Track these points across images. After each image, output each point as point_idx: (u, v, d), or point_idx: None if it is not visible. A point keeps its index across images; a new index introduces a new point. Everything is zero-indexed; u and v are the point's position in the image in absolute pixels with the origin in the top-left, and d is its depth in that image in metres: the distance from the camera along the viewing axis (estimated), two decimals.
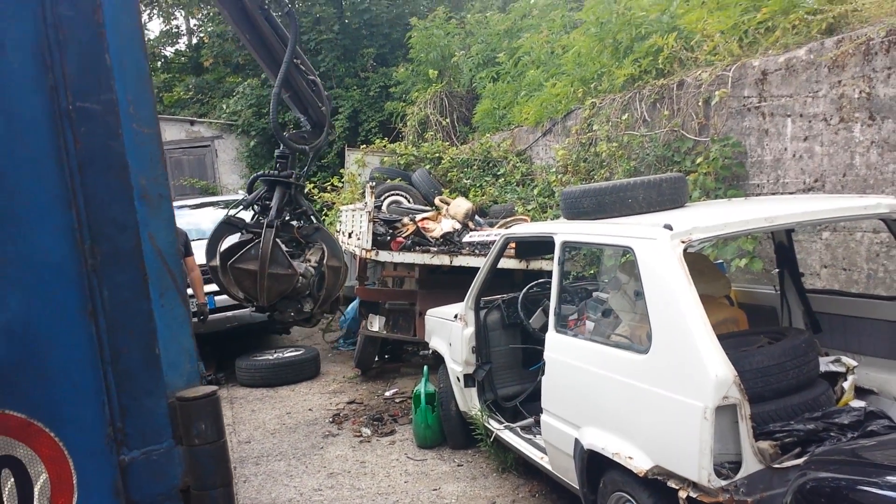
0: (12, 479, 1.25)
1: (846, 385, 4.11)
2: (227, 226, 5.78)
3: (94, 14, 1.22)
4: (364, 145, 12.67)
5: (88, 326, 1.28)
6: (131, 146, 1.27)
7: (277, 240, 5.57)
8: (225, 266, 5.53)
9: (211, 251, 5.68)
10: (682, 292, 3.51)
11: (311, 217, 6.09)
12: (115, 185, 1.25)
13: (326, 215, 12.66)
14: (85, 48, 1.22)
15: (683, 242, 3.65)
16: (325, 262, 5.77)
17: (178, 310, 1.34)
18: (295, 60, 5.59)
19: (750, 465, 3.27)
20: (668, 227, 3.69)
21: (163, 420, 1.31)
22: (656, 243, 3.69)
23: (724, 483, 3.23)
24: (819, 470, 2.75)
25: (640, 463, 3.58)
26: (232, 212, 6.00)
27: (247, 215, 6.03)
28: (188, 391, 1.33)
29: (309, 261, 5.79)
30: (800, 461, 3.16)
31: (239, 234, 5.74)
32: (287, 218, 5.85)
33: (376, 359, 8.97)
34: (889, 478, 2.53)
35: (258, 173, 6.23)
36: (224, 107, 17.82)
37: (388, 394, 7.91)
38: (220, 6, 5.26)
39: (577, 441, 4.12)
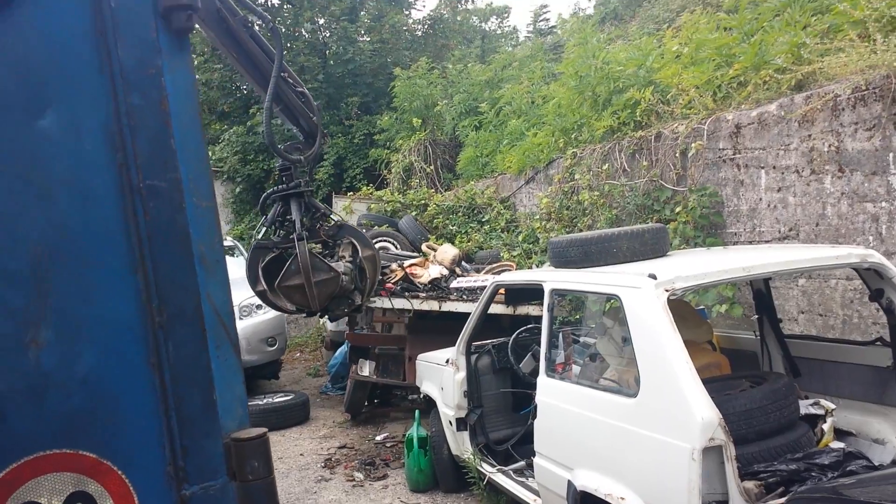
0: None
1: (825, 427, 4.29)
2: (259, 250, 6.00)
3: (161, 104, 1.40)
4: (350, 192, 12.87)
5: (153, 377, 1.43)
6: (192, 218, 1.45)
7: (310, 249, 5.77)
8: (273, 288, 5.72)
9: (252, 277, 5.90)
10: (668, 338, 3.70)
11: (331, 216, 6.31)
12: (179, 252, 1.43)
13: None
14: (153, 133, 1.40)
15: (667, 291, 3.85)
16: (359, 255, 5.99)
17: (231, 360, 1.51)
18: (283, 74, 5.79)
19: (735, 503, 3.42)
20: (653, 277, 3.89)
21: (219, 459, 1.46)
22: (642, 292, 3.88)
23: None
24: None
25: (631, 503, 3.72)
26: (258, 236, 6.22)
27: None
28: (241, 433, 1.49)
29: (343, 257, 5.99)
30: (783, 500, 3.31)
31: (272, 254, 5.94)
32: (308, 224, 6.05)
33: (366, 403, 9.05)
34: None
35: (269, 191, 6.42)
36: (209, 153, 18.03)
37: (378, 438, 7.98)
38: (205, 29, 5.39)
39: (569, 483, 4.25)
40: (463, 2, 21.82)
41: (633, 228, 4.82)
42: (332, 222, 6.27)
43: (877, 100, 5.35)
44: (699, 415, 3.41)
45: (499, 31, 27.18)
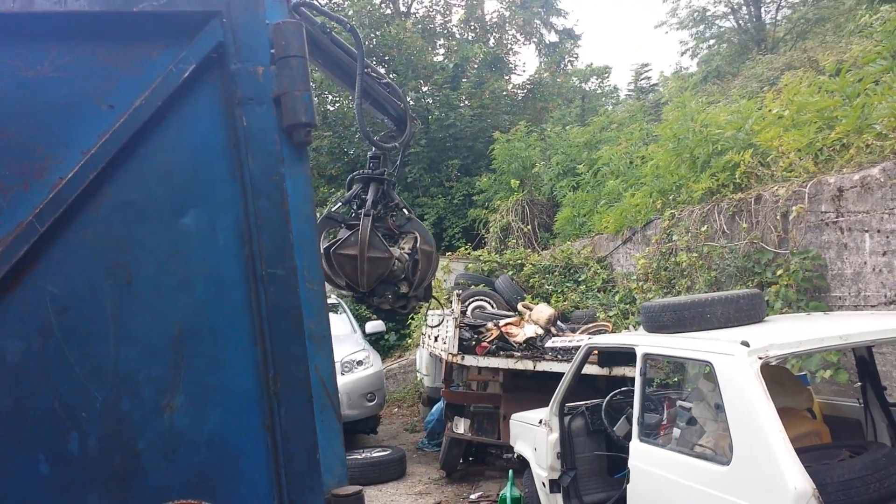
0: None
1: None
2: (328, 220, 6.24)
3: (283, 205, 1.66)
4: (448, 252, 13.19)
5: (267, 438, 1.66)
6: (305, 300, 1.68)
7: (374, 227, 5.98)
8: (328, 254, 5.93)
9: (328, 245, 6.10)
10: (761, 406, 3.70)
11: (404, 209, 6.56)
12: (293, 329, 1.66)
13: (413, 318, 13.14)
14: (276, 229, 1.66)
15: (761, 359, 3.86)
16: (418, 246, 6.17)
17: (333, 424, 1.72)
18: (366, 70, 6.10)
19: None
20: (746, 344, 3.91)
21: None
22: (734, 359, 3.90)
23: None
24: None
25: None
26: (332, 209, 6.49)
27: None
28: (340, 489, 1.69)
29: (403, 248, 6.18)
30: None
31: (338, 227, 6.19)
32: (381, 212, 6.28)
33: (461, 461, 9.14)
34: None
35: (354, 173, 6.68)
36: (317, 214, 18.87)
37: (473, 497, 8.04)
38: None
39: None
40: (563, 65, 22.21)
41: (727, 294, 4.83)
42: (405, 215, 6.50)
43: None
44: (792, 484, 3.39)
45: (599, 91, 27.36)
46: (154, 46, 1.64)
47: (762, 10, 27.99)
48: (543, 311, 9.15)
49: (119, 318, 1.60)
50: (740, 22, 27.97)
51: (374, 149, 6.33)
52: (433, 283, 6.82)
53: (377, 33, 18.75)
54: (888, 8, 9.28)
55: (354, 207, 6.26)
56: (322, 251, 5.93)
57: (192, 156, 1.66)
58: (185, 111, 1.64)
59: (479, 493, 8.17)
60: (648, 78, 24.53)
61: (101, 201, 1.60)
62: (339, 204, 6.50)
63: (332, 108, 19.14)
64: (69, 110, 1.61)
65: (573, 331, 8.92)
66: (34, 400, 1.56)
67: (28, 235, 1.54)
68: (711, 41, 29.11)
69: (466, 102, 18.19)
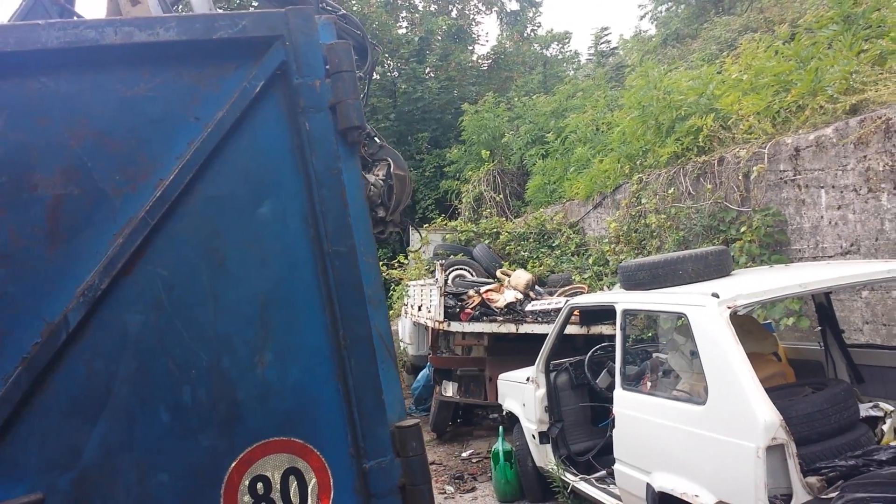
0: (296, 483, 2.00)
1: (885, 427, 4.64)
2: None
3: (342, 195, 2.01)
4: (424, 224, 13.55)
5: (339, 385, 2.03)
6: (363, 271, 2.04)
7: None
8: None
9: None
10: (732, 351, 4.14)
11: (375, 138, 6.81)
12: (356, 296, 2.02)
13: (393, 290, 13.50)
14: (336, 214, 2.01)
15: (730, 308, 4.30)
16: (392, 171, 6.45)
17: (392, 371, 2.09)
18: (321, 5, 6.32)
19: (800, 497, 3.82)
20: (716, 295, 4.34)
21: (387, 441, 2.04)
22: (706, 310, 4.34)
23: None
24: (856, 491, 3.34)
25: (705, 499, 4.15)
26: None
27: None
28: (402, 422, 2.07)
29: (378, 175, 6.45)
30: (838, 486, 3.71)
31: None
32: None
33: (450, 422, 9.59)
34: None
35: None
36: None
37: (465, 454, 8.51)
38: None
39: (648, 485, 4.70)
40: (524, 33, 22.46)
41: (697, 251, 5.27)
42: (375, 143, 6.72)
43: None
44: (762, 417, 3.84)
45: (560, 57, 27.60)
46: (230, 66, 1.96)
47: None
48: (521, 276, 9.56)
49: (215, 292, 1.95)
50: None
51: None
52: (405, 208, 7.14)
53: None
54: None
55: None
56: None
57: (265, 156, 2.00)
58: (258, 120, 1.97)
59: (471, 451, 8.63)
60: (608, 42, 24.88)
61: (195, 197, 1.94)
62: None
63: None
64: (163, 123, 1.93)
65: (551, 294, 9.35)
66: (152, 362, 1.90)
67: (140, 228, 1.87)
68: (669, 3, 29.48)
69: (433, 75, 18.42)
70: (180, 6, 3.46)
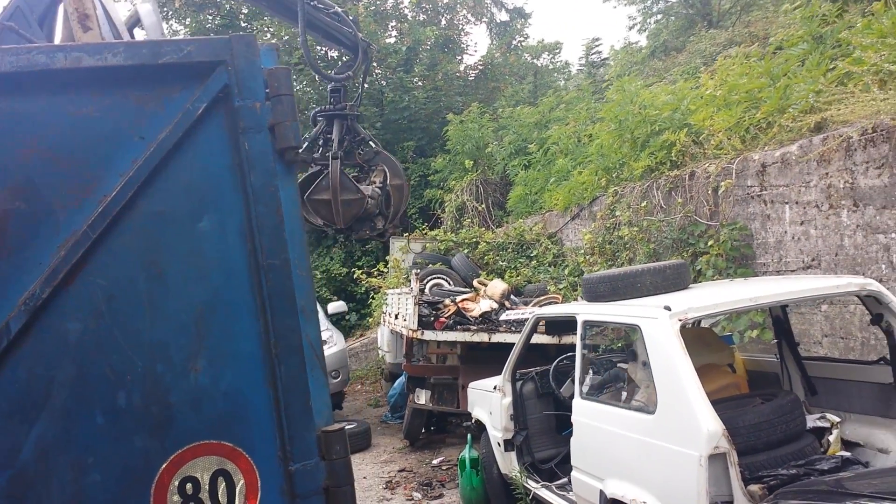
0: (224, 484, 2.12)
1: (832, 438, 4.79)
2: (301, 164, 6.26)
3: (277, 211, 2.14)
4: (406, 233, 13.67)
5: (270, 391, 2.15)
6: (296, 283, 2.16)
7: (343, 169, 6.12)
8: (302, 199, 6.02)
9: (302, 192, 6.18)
10: (680, 362, 4.28)
11: (370, 143, 6.64)
12: (288, 306, 2.15)
13: (373, 298, 13.61)
14: (272, 230, 2.14)
15: (680, 320, 4.44)
16: (388, 182, 6.32)
17: (321, 378, 2.21)
18: (311, 2, 6.25)
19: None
20: (668, 308, 4.49)
21: (313, 445, 2.16)
22: (658, 321, 4.49)
23: None
24: (789, 498, 3.49)
25: None
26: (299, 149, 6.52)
27: None
28: (328, 427, 2.19)
29: (374, 183, 6.33)
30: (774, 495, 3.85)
31: (308, 167, 6.30)
32: (349, 147, 6.40)
33: (423, 430, 9.70)
34: (847, 502, 3.25)
35: (317, 109, 6.72)
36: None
37: (435, 462, 8.62)
38: None
39: (601, 492, 4.83)
40: (514, 44, 22.64)
41: (655, 265, 5.42)
42: (371, 148, 6.54)
43: (884, 141, 5.86)
44: (705, 427, 3.98)
45: (551, 67, 27.76)
46: (174, 89, 2.09)
47: None
48: (497, 286, 9.70)
49: (153, 302, 2.07)
50: None
51: (333, 84, 6.38)
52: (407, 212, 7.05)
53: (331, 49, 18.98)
54: None
55: (320, 144, 6.36)
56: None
57: (205, 174, 2.12)
58: (200, 139, 2.10)
59: (441, 459, 8.75)
60: (599, 52, 25.11)
61: (137, 212, 2.06)
62: (307, 144, 6.55)
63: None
64: (109, 142, 2.05)
65: (526, 304, 9.48)
66: (91, 367, 2.02)
67: (83, 241, 1.99)
68: (659, 16, 29.77)
69: (420, 84, 18.56)
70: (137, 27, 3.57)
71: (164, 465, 2.05)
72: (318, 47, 18.15)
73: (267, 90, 2.16)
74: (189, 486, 2.06)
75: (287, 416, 2.14)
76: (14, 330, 1.94)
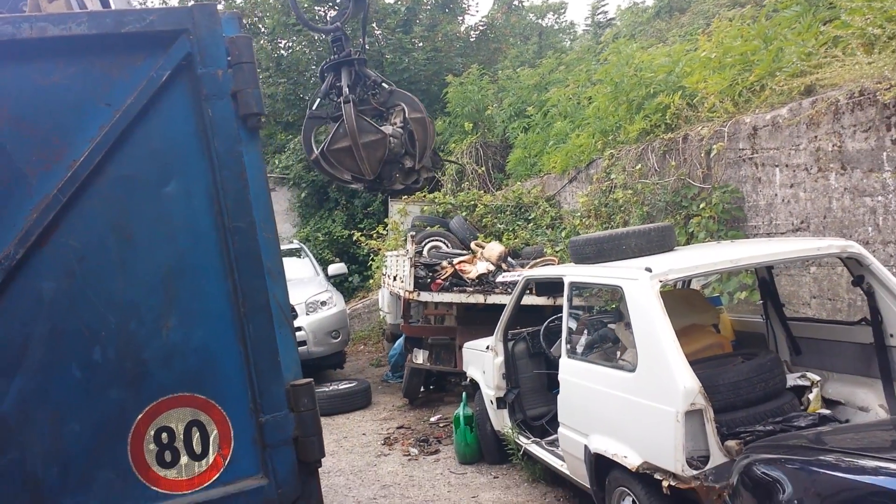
0: (198, 434, 2.23)
1: (811, 396, 4.89)
2: (313, 120, 6.12)
3: (241, 175, 2.22)
4: (405, 195, 13.72)
5: (240, 347, 2.25)
6: (262, 244, 2.25)
7: (359, 112, 5.97)
8: (324, 154, 5.91)
9: (307, 147, 6.10)
10: (659, 322, 4.37)
11: (383, 84, 6.48)
12: (255, 267, 2.24)
13: (373, 261, 13.73)
14: (237, 193, 2.22)
15: (661, 282, 4.52)
16: (407, 116, 6.12)
17: (288, 336, 2.31)
18: None
19: (716, 458, 4.08)
20: (648, 270, 4.56)
21: (282, 398, 2.28)
22: (638, 283, 4.57)
23: (695, 473, 4.05)
24: (760, 453, 3.60)
25: (632, 460, 4.41)
26: (313, 108, 6.34)
27: None
28: (296, 381, 2.30)
29: (395, 123, 6.16)
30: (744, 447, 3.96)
31: (325, 123, 6.12)
32: (362, 93, 6.26)
33: (422, 389, 9.88)
34: (820, 457, 3.34)
35: (324, 63, 6.51)
36: (276, 162, 19.21)
37: (433, 419, 8.80)
38: None
39: (586, 447, 4.97)
40: (516, 3, 22.39)
41: (640, 227, 5.49)
42: (385, 89, 6.34)
43: (871, 105, 5.87)
44: (682, 384, 4.08)
45: (556, 27, 27.48)
46: (138, 57, 2.16)
47: None
48: (494, 248, 9.77)
49: (124, 263, 2.17)
50: None
51: (333, 35, 6.22)
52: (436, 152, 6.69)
53: None
54: None
55: (334, 98, 6.22)
56: (318, 154, 5.71)
57: (171, 140, 2.20)
58: (165, 106, 2.18)
59: (439, 416, 8.92)
60: (605, 13, 24.84)
61: (105, 176, 2.15)
62: (319, 100, 6.43)
63: (285, 54, 19.30)
64: (77, 109, 2.13)
65: (522, 266, 9.56)
66: (66, 324, 2.13)
67: (54, 204, 2.08)
68: None
69: (420, 45, 18.44)
70: None
71: (139, 416, 2.16)
72: (317, 7, 18.07)
73: (229, 58, 2.23)
74: (164, 435, 2.18)
75: (257, 371, 2.25)
76: None
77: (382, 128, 6.02)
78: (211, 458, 2.22)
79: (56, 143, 2.11)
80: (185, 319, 2.22)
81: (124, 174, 2.16)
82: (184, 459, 2.19)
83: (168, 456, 2.19)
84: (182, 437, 2.20)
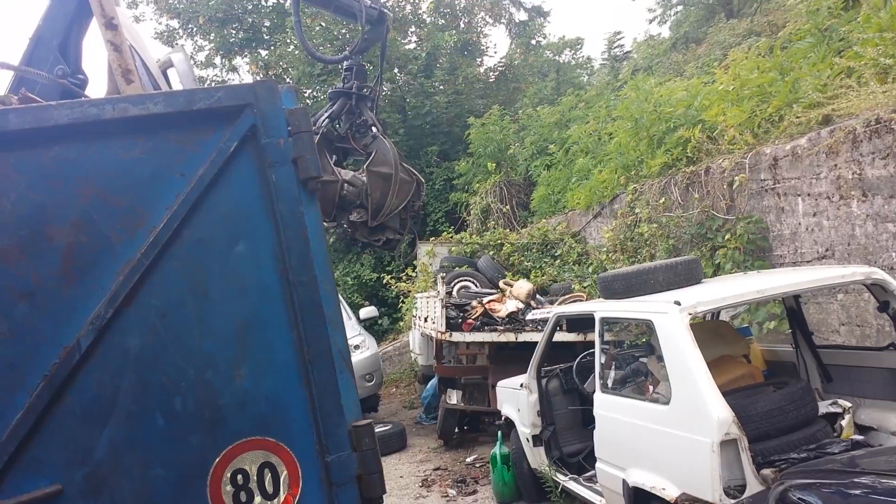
0: (270, 475, 2.42)
1: (844, 423, 4.97)
2: None
3: (303, 234, 2.44)
4: (433, 237, 13.96)
5: (305, 392, 2.45)
6: (323, 297, 2.46)
7: (323, 146, 5.55)
8: None
9: None
10: (691, 354, 4.50)
11: (372, 126, 6.00)
12: (317, 317, 2.44)
13: (403, 303, 13.92)
14: (299, 250, 2.43)
15: (690, 314, 4.66)
16: (367, 167, 5.63)
17: (349, 380, 2.50)
18: None
19: (753, 487, 4.18)
20: (678, 303, 4.71)
21: (345, 438, 2.46)
22: (668, 316, 4.71)
23: (732, 502, 4.14)
24: (796, 478, 3.70)
25: (670, 492, 4.52)
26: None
27: None
28: (357, 422, 2.48)
29: (357, 172, 5.71)
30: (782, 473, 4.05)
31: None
32: (347, 130, 5.84)
33: (456, 429, 9.98)
34: (855, 479, 3.44)
35: (329, 90, 6.31)
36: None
37: (469, 460, 8.89)
38: None
39: (623, 481, 5.07)
40: (534, 43, 22.81)
41: (667, 261, 5.64)
42: (370, 133, 6.00)
43: (888, 132, 6.02)
44: (715, 414, 4.20)
45: (573, 63, 27.83)
46: (208, 130, 2.40)
47: None
48: (523, 286, 9.94)
49: (201, 317, 2.38)
50: None
51: (347, 63, 6.09)
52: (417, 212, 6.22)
53: (349, 26, 19.35)
54: None
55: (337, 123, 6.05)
56: None
57: (239, 204, 2.43)
58: (233, 173, 2.41)
59: (475, 457, 9.01)
60: (622, 46, 25.17)
61: (182, 240, 2.37)
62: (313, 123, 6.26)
63: (310, 103, 19.78)
64: (155, 179, 2.37)
65: (551, 303, 9.70)
66: (150, 376, 2.33)
67: (138, 267, 2.30)
68: (679, 7, 29.73)
69: (441, 88, 18.85)
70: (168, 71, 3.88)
71: (217, 460, 2.35)
72: (343, 30, 18.41)
73: (289, 128, 2.46)
74: (240, 477, 2.36)
75: (321, 414, 2.43)
76: (84, 346, 2.25)
77: (343, 171, 5.77)
78: (282, 497, 2.39)
79: (138, 212, 2.34)
80: (256, 368, 2.41)
81: (199, 237, 2.38)
82: (257, 499, 2.37)
83: (243, 496, 2.36)
84: (255, 478, 2.38)
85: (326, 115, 5.83)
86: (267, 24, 20.92)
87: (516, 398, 7.13)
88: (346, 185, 5.60)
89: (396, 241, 6.34)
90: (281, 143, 2.43)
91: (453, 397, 9.36)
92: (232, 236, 2.41)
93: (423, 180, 6.43)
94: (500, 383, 7.80)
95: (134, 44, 3.15)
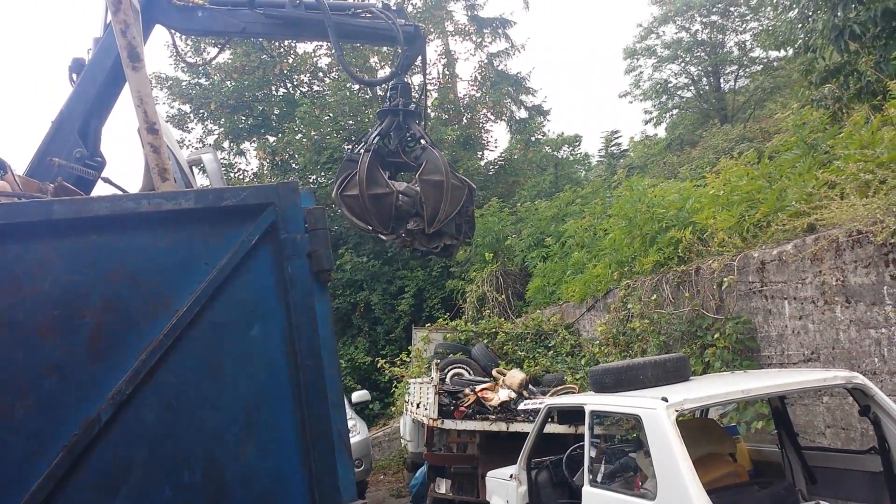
0: None
1: None
2: (349, 162, 5.98)
3: (313, 321, 2.64)
4: (428, 323, 14.12)
5: (305, 471, 2.60)
6: (328, 380, 2.64)
7: (376, 162, 5.72)
8: (338, 198, 5.76)
9: (337, 185, 5.95)
10: (677, 450, 4.62)
11: (421, 139, 6.20)
12: (321, 400, 2.62)
13: (396, 388, 13.96)
14: (308, 335, 2.64)
15: (677, 411, 4.81)
16: (419, 177, 5.80)
17: (347, 461, 2.66)
18: (339, 14, 5.94)
19: None
20: (665, 399, 4.86)
21: None
22: (656, 412, 4.85)
23: None
24: None
25: None
26: (355, 149, 6.23)
27: None
28: (352, 502, 2.63)
29: (411, 183, 5.90)
30: None
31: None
32: (395, 144, 6.02)
33: None
34: None
35: (378, 110, 6.51)
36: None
37: None
38: (252, 35, 5.73)
39: None
40: (533, 139, 23.54)
41: (656, 358, 5.81)
42: (419, 145, 6.21)
43: (869, 242, 6.29)
44: None
45: (571, 159, 28.54)
46: (232, 225, 2.64)
47: (721, 80, 29.81)
48: (516, 376, 10.05)
49: (213, 396, 2.56)
50: (701, 92, 29.71)
51: (393, 83, 6.31)
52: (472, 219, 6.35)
53: (356, 119, 20.06)
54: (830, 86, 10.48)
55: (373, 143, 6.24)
56: (334, 195, 5.69)
57: (256, 291, 2.65)
58: (252, 264, 2.64)
59: None
60: (619, 144, 25.97)
61: (202, 322, 2.58)
62: (362, 145, 6.38)
63: (315, 188, 20.28)
64: (181, 267, 2.59)
65: (543, 394, 9.78)
66: (162, 450, 2.50)
67: (160, 347, 2.50)
68: (674, 111, 30.77)
69: None
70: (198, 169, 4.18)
71: None
72: (350, 121, 18.89)
73: (306, 225, 2.70)
74: None
75: (319, 493, 2.58)
76: (103, 420, 2.43)
77: (397, 182, 5.99)
78: None
79: (163, 295, 2.56)
80: (261, 445, 2.57)
81: (217, 320, 2.59)
82: None
83: None
84: None
85: (376, 132, 6.08)
86: (276, 112, 21.64)
87: (506, 489, 7.15)
88: (400, 195, 5.77)
89: (454, 246, 6.50)
90: (298, 238, 2.67)
91: (442, 486, 9.33)
92: (247, 320, 2.62)
93: (475, 186, 6.63)
94: (490, 474, 7.82)
95: (168, 143, 3.44)
